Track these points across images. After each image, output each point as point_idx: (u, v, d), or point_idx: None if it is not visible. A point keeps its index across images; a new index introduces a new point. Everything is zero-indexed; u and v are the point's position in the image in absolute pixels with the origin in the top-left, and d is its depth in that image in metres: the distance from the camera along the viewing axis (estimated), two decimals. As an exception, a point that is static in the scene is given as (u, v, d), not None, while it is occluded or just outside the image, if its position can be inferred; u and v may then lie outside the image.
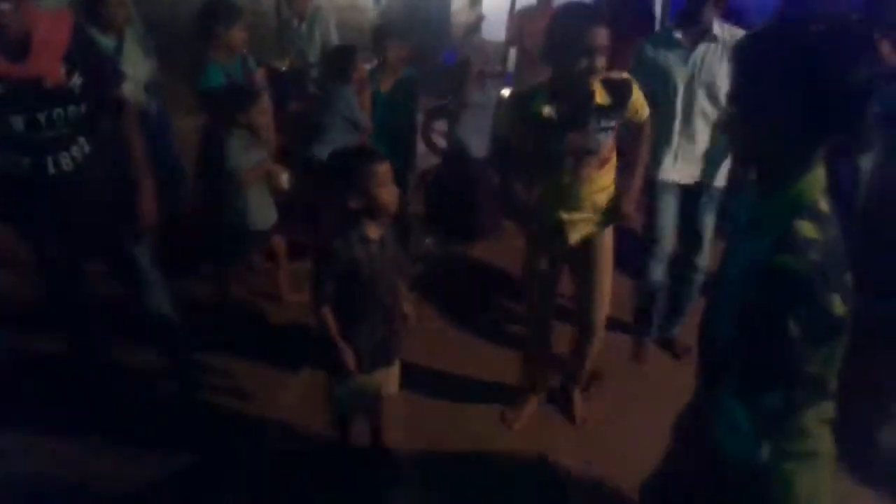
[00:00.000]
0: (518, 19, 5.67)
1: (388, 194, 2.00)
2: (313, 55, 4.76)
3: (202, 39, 3.20)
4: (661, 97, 2.71)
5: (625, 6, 4.73)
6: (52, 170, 2.11)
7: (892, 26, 3.13)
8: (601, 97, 2.15)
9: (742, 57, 1.14)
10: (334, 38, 4.78)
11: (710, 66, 2.70)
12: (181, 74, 3.59)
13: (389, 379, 2.30)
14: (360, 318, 2.09)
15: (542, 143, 2.22)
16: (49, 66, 1.99)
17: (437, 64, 6.54)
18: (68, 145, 2.12)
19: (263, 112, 3.11)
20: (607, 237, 2.45)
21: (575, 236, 2.37)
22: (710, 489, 1.24)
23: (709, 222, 2.97)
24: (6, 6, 1.84)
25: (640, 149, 2.44)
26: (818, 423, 1.19)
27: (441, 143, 4.91)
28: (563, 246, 2.40)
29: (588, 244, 2.41)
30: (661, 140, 2.80)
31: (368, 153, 2.08)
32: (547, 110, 2.14)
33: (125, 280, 2.53)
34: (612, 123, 2.22)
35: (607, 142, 2.25)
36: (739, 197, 1.38)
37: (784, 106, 1.06)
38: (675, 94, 2.76)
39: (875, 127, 3.03)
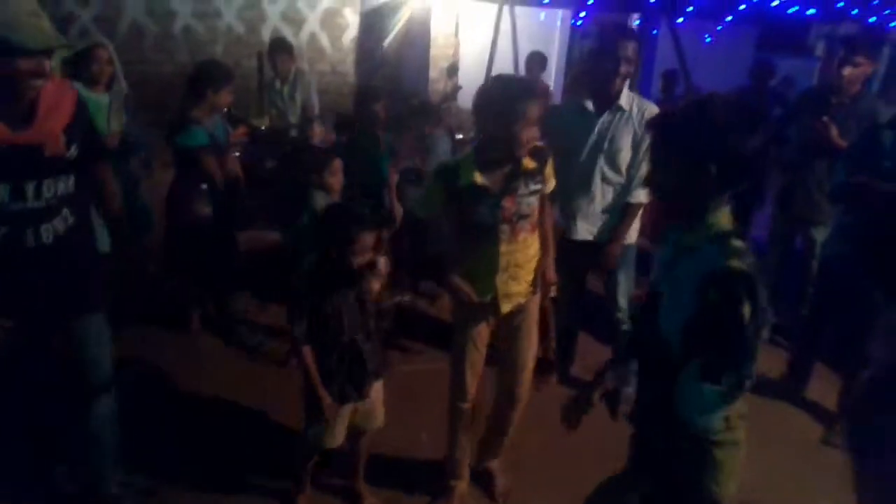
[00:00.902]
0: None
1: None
2: (293, 116, 4.89)
3: (190, 99, 3.27)
4: (565, 159, 2.80)
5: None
6: (31, 242, 1.96)
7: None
8: (528, 162, 2.22)
9: (658, 132, 1.49)
10: (315, 101, 4.93)
11: (613, 135, 2.85)
12: (161, 130, 3.66)
13: (369, 413, 2.34)
14: (333, 356, 2.17)
15: (474, 213, 2.21)
16: (52, 134, 1.93)
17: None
18: (52, 217, 1.99)
19: (335, 172, 3.18)
20: (534, 304, 2.45)
21: (507, 306, 2.34)
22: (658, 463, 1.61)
23: (622, 274, 3.10)
24: (39, 83, 1.79)
25: (548, 213, 2.47)
26: (738, 418, 1.52)
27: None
28: (496, 315, 2.37)
29: (518, 312, 2.40)
30: (564, 200, 2.93)
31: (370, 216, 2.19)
32: (480, 178, 2.17)
33: (77, 378, 2.22)
34: (539, 187, 2.28)
35: (535, 205, 2.30)
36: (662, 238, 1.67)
37: (694, 169, 1.39)
38: (578, 158, 2.90)
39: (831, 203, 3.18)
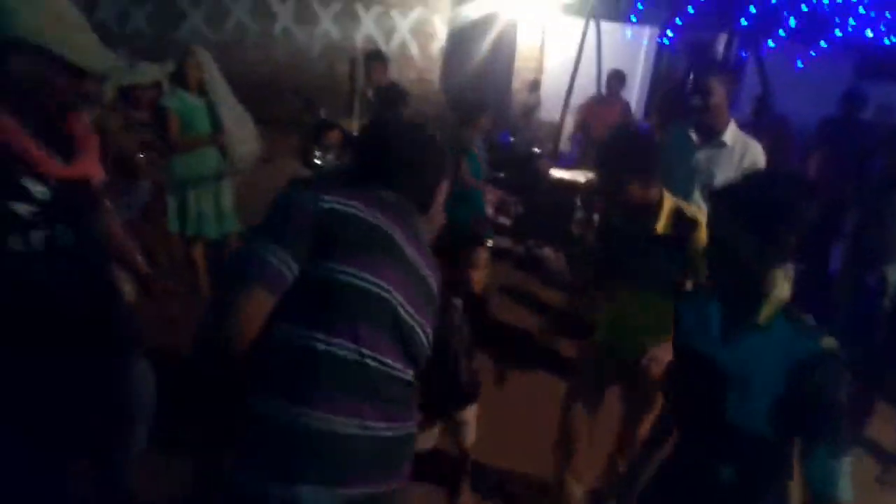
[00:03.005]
0: (587, 108, 6.09)
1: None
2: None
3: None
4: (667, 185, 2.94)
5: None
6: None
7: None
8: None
9: (721, 204, 1.46)
10: (401, 111, 5.21)
11: (711, 169, 2.87)
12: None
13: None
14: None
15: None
16: (94, 165, 1.66)
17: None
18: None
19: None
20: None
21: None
22: None
23: None
24: (90, 108, 1.68)
25: None
26: None
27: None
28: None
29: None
30: None
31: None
32: None
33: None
34: None
35: None
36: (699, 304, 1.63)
37: (757, 242, 1.38)
38: (675, 187, 2.96)
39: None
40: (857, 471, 1.26)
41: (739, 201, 1.41)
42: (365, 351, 1.32)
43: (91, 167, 1.65)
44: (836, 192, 4.70)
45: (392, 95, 4.45)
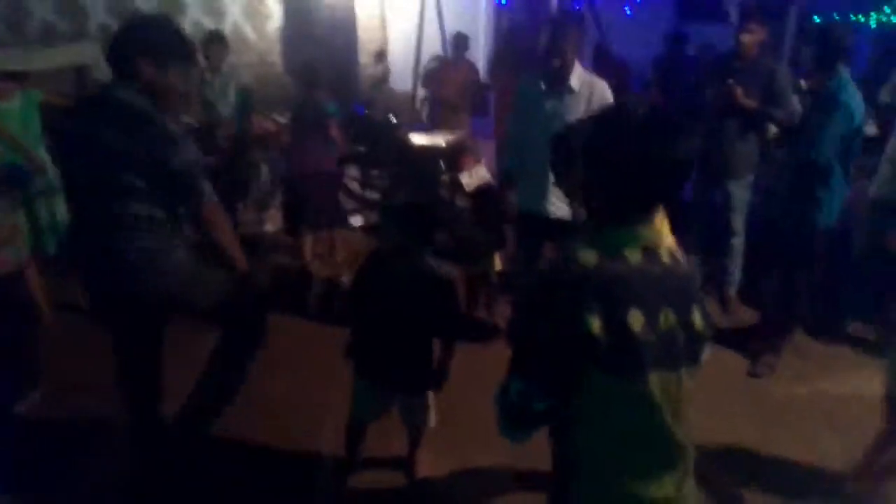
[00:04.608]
0: (431, 70, 6.10)
1: None
2: (225, 110, 4.86)
3: None
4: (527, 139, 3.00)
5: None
6: None
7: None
8: None
9: (581, 140, 1.34)
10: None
11: (563, 115, 2.95)
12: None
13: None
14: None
15: None
16: None
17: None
18: None
19: None
20: None
21: None
22: None
23: None
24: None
25: None
26: None
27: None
28: None
29: None
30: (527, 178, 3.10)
31: None
32: None
33: None
34: None
35: None
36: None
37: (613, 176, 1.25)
38: (529, 138, 3.04)
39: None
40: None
41: (600, 135, 1.28)
42: None
43: None
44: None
45: None
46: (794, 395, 3.28)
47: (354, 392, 2.48)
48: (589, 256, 1.21)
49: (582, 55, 6.14)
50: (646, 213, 1.26)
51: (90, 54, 3.63)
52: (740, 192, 3.87)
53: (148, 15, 3.56)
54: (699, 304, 1.29)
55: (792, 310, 3.49)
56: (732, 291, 4.06)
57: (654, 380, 1.21)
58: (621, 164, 1.22)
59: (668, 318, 1.22)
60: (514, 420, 1.28)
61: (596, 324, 1.16)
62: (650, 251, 1.24)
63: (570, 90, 2.97)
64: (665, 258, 1.26)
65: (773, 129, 3.73)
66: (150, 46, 2.11)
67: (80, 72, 3.64)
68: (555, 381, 1.23)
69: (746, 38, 3.62)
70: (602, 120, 1.33)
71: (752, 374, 3.44)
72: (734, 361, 3.54)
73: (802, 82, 3.55)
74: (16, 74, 3.46)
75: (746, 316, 3.99)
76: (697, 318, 1.27)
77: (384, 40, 8.15)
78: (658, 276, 1.23)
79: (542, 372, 1.23)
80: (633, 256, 1.22)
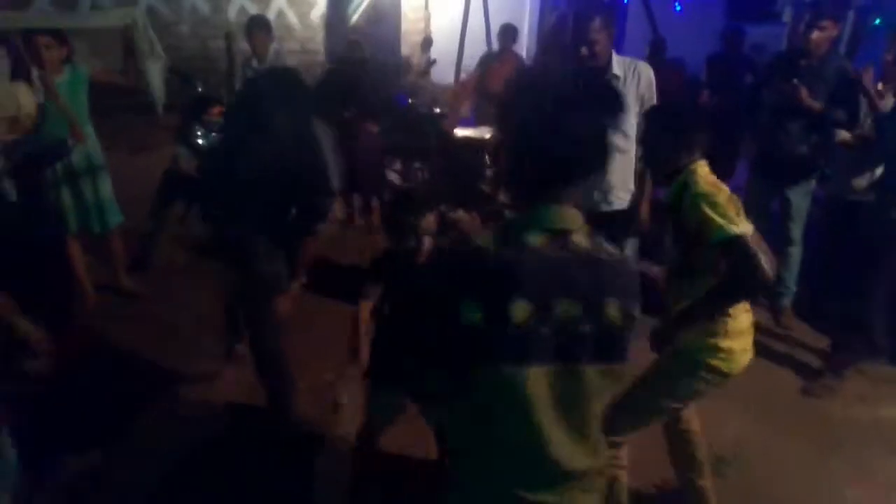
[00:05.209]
0: (480, 65, 5.97)
1: None
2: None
3: None
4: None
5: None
6: None
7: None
8: None
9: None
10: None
11: None
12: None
13: None
14: None
15: None
16: None
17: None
18: None
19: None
20: None
21: None
22: None
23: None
24: None
25: None
26: None
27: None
28: None
29: None
30: None
31: None
32: None
33: None
34: None
35: None
36: None
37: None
38: None
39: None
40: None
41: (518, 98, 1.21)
42: None
43: None
44: (731, 124, 4.84)
45: None
46: (853, 418, 3.08)
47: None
48: (484, 242, 1.14)
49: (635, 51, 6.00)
50: (552, 192, 1.15)
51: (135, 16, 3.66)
52: (800, 200, 3.66)
53: None
54: (622, 296, 1.16)
55: (868, 333, 3.26)
56: (787, 303, 3.86)
57: (539, 375, 1.11)
58: (520, 134, 1.17)
59: (568, 308, 1.10)
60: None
61: (477, 315, 1.08)
62: (558, 236, 1.14)
63: (615, 77, 2.85)
64: (579, 244, 1.14)
65: (842, 133, 3.51)
66: None
67: (125, 32, 3.66)
68: (446, 373, 1.18)
69: (817, 36, 3.41)
70: (509, 86, 1.25)
71: (808, 394, 3.25)
72: (785, 377, 3.36)
73: (880, 85, 3.33)
74: (62, 38, 3.42)
75: (800, 330, 3.80)
76: (613, 310, 1.14)
77: (428, 30, 8.07)
78: (562, 263, 1.12)
79: (434, 363, 1.21)
80: (534, 241, 1.12)
